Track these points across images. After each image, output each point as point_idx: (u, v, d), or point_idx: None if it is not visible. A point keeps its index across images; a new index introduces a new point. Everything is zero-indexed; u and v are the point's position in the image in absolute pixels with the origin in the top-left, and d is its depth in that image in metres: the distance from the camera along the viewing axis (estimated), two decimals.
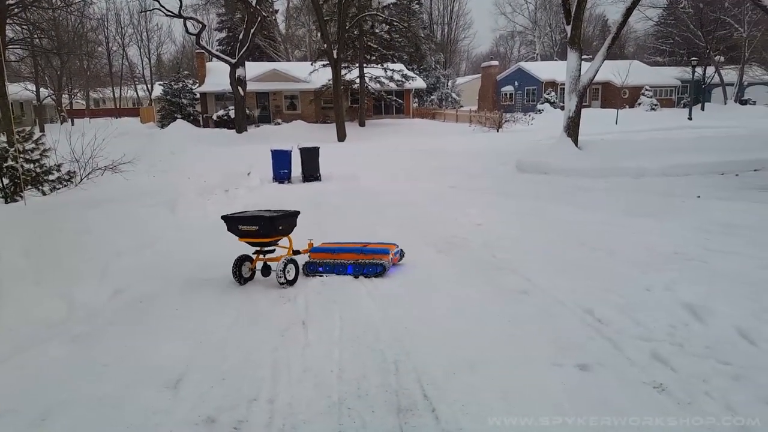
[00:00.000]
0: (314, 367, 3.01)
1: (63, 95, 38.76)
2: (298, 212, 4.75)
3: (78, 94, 45.67)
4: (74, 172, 9.19)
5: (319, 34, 29.61)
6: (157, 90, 37.31)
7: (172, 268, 5.04)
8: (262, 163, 12.05)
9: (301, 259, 4.80)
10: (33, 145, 8.59)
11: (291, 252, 4.71)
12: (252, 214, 4.62)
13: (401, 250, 5.04)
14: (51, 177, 8.66)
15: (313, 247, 4.93)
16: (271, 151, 11.72)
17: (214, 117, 30.21)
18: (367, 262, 4.60)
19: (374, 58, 29.32)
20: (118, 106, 53.28)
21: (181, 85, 32.32)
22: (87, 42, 37.32)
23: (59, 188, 8.71)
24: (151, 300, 4.21)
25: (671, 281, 4.06)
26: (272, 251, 4.69)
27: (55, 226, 5.06)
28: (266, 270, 4.67)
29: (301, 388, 2.78)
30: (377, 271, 4.53)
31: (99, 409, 2.66)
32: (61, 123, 33.98)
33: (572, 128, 12.98)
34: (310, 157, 11.70)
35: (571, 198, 8.34)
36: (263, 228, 4.38)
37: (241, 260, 4.59)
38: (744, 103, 36.29)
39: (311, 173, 11.70)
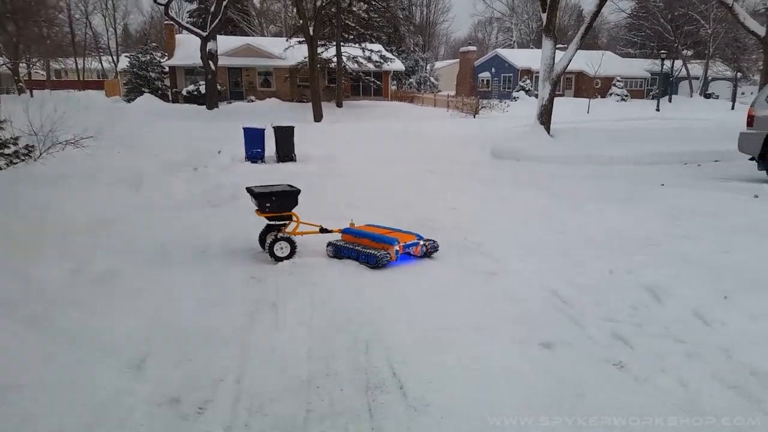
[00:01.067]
0: (283, 347, 2.98)
1: (20, 64, 36.57)
2: (298, 190, 4.59)
3: (37, 64, 43.19)
4: (33, 146, 8.74)
5: (294, 10, 28.82)
6: (123, 62, 35.71)
7: (135, 247, 4.88)
8: (233, 142, 11.75)
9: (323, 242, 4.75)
10: None
11: (297, 230, 4.67)
12: (257, 190, 4.59)
13: (429, 242, 4.52)
14: (7, 151, 8.22)
15: (345, 228, 4.78)
16: (244, 129, 11.40)
17: (184, 92, 29.21)
18: (368, 251, 4.32)
19: (352, 37, 28.78)
20: (81, 78, 50.76)
21: (148, 57, 31.00)
22: (46, 7, 35.14)
23: (16, 163, 8.28)
24: (112, 278, 4.07)
25: (635, 264, 4.20)
26: (283, 225, 4.64)
27: (12, 202, 4.81)
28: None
29: (269, 368, 2.75)
30: (372, 261, 4.25)
31: (58, 390, 2.57)
32: (19, 94, 32.16)
33: (545, 116, 13.16)
34: (285, 136, 11.45)
35: (543, 184, 8.49)
36: (257, 203, 4.48)
37: (267, 229, 4.73)
38: (708, 96, 37.56)
39: (286, 153, 11.47)
